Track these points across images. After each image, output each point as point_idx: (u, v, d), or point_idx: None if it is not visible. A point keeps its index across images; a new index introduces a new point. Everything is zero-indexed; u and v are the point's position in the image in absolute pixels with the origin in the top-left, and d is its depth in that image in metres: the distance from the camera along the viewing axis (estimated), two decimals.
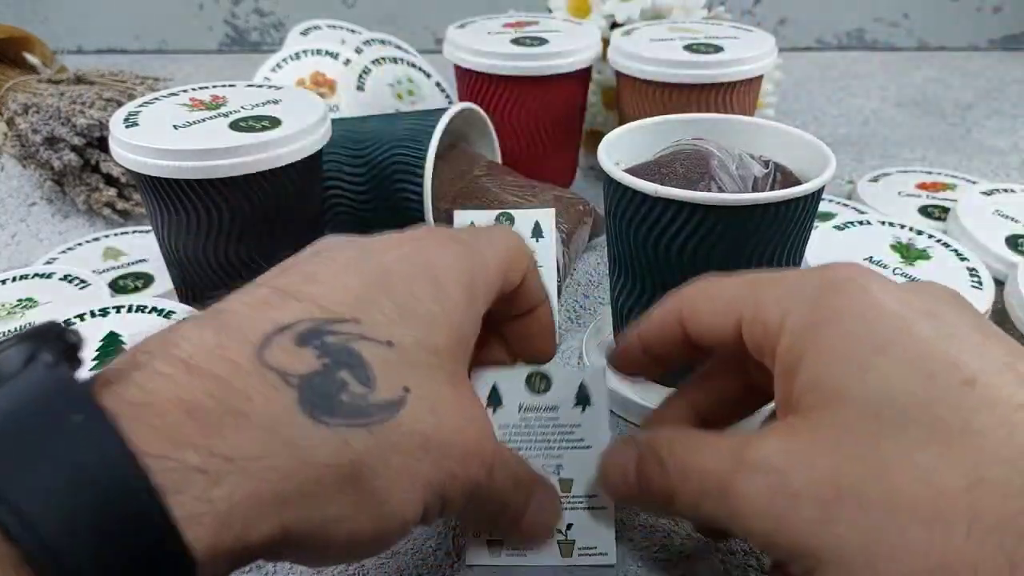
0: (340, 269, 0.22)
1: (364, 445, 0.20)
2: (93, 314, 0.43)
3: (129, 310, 0.43)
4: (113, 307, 0.43)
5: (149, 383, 0.18)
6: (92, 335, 0.41)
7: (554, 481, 0.31)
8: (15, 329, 0.45)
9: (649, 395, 0.40)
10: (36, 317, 0.46)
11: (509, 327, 0.31)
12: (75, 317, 0.42)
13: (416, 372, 0.22)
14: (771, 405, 0.27)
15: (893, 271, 0.49)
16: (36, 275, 0.50)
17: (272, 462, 0.18)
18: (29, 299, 0.48)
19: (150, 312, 0.43)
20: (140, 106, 0.44)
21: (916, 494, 0.19)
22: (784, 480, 0.21)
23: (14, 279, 0.50)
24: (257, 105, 0.44)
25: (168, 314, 0.43)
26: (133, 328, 0.42)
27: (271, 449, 0.18)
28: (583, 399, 0.33)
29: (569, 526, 0.32)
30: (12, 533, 0.15)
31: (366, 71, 0.65)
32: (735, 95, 0.55)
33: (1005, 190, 0.58)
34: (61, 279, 0.49)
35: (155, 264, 0.53)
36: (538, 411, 0.32)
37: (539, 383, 0.32)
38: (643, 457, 0.25)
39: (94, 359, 0.40)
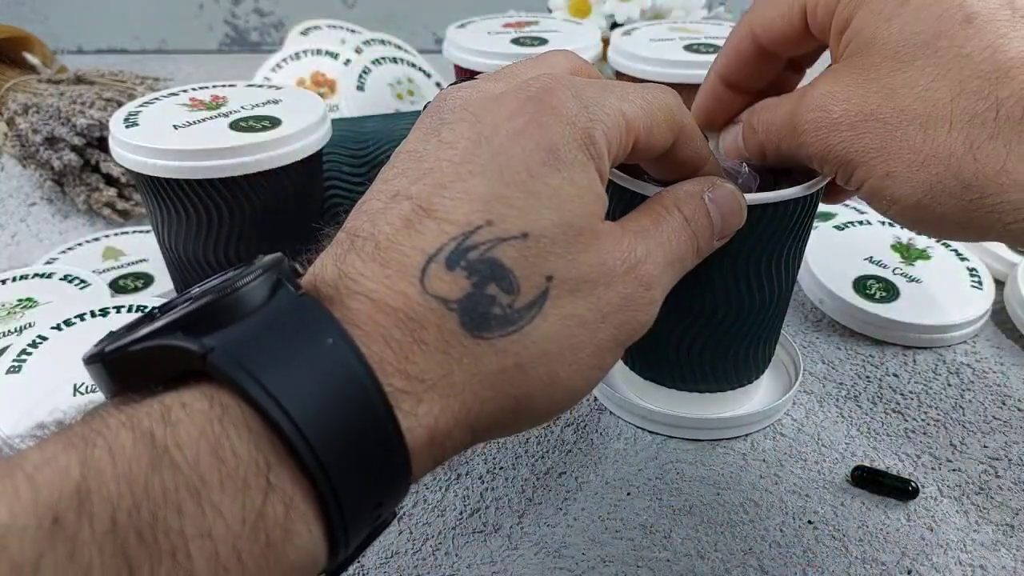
0: (461, 167, 0.23)
1: (519, 346, 0.22)
2: (93, 314, 0.43)
3: (129, 310, 0.43)
4: (113, 307, 0.43)
5: (351, 316, 0.21)
6: (92, 335, 0.41)
7: None
8: (15, 329, 0.45)
9: (650, 395, 0.40)
10: (36, 317, 0.46)
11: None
12: (75, 317, 0.42)
13: (555, 251, 0.23)
14: None
15: (893, 271, 0.49)
16: (36, 275, 0.50)
17: (452, 379, 0.21)
18: (29, 299, 0.48)
19: None
20: (140, 106, 0.44)
21: (916, 109, 0.26)
22: (827, 115, 0.28)
23: (14, 279, 0.50)
24: (257, 105, 0.44)
25: None
26: None
27: (448, 369, 0.21)
28: None
29: None
30: (283, 430, 0.18)
31: (366, 71, 0.65)
32: None
33: None
34: (61, 279, 0.49)
35: (155, 264, 0.53)
36: None
37: None
38: (744, 128, 0.33)
39: None
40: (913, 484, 0.36)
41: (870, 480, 0.36)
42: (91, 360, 0.20)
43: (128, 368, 0.20)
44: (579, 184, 0.24)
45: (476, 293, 0.22)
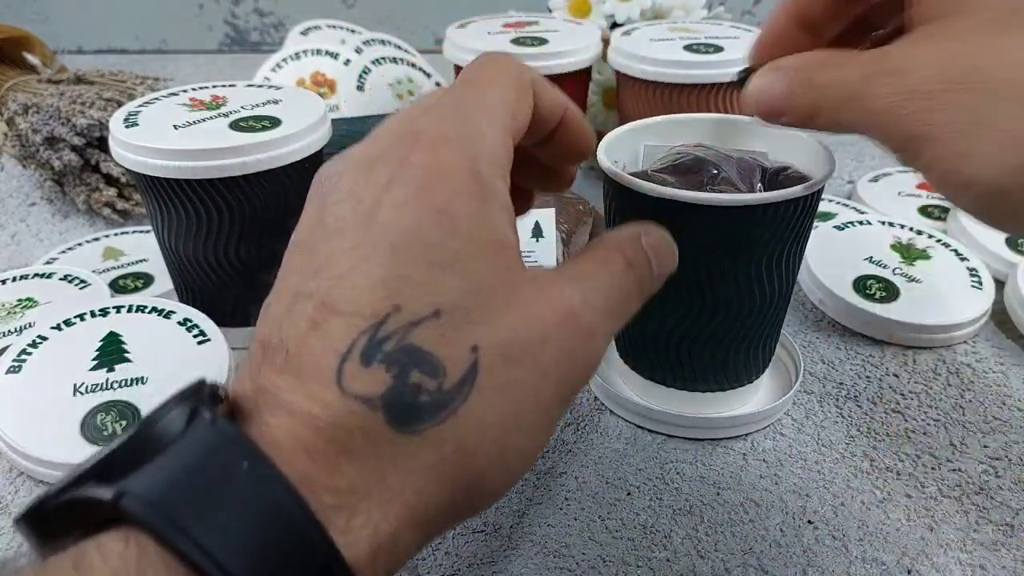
0: (353, 253, 0.21)
1: (458, 430, 0.20)
2: (93, 314, 0.43)
3: (129, 310, 0.43)
4: (113, 307, 0.43)
5: (270, 433, 0.20)
6: (92, 335, 0.42)
7: None
8: (15, 329, 0.45)
9: (650, 395, 0.40)
10: (36, 317, 0.46)
11: (541, 150, 0.28)
12: (75, 317, 0.42)
13: (472, 317, 0.21)
14: None
15: (893, 271, 0.49)
16: (36, 275, 0.50)
17: (387, 483, 0.20)
18: (29, 299, 0.48)
19: (150, 312, 0.43)
20: (140, 106, 0.44)
21: (1012, 78, 0.23)
22: (903, 80, 0.24)
23: (14, 279, 0.50)
24: (257, 105, 0.44)
25: (168, 314, 0.43)
26: (133, 328, 0.42)
27: (381, 473, 0.20)
28: (538, 232, 0.46)
29: None
30: (204, 568, 0.17)
31: (366, 71, 0.65)
32: (735, 95, 0.55)
33: None
34: (61, 279, 0.49)
35: (155, 264, 0.53)
36: None
37: None
38: (792, 78, 0.28)
39: (94, 359, 0.40)
40: None
41: None
42: (17, 521, 0.19)
43: (53, 523, 0.19)
44: (479, 240, 0.22)
45: (399, 385, 0.20)
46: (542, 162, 0.29)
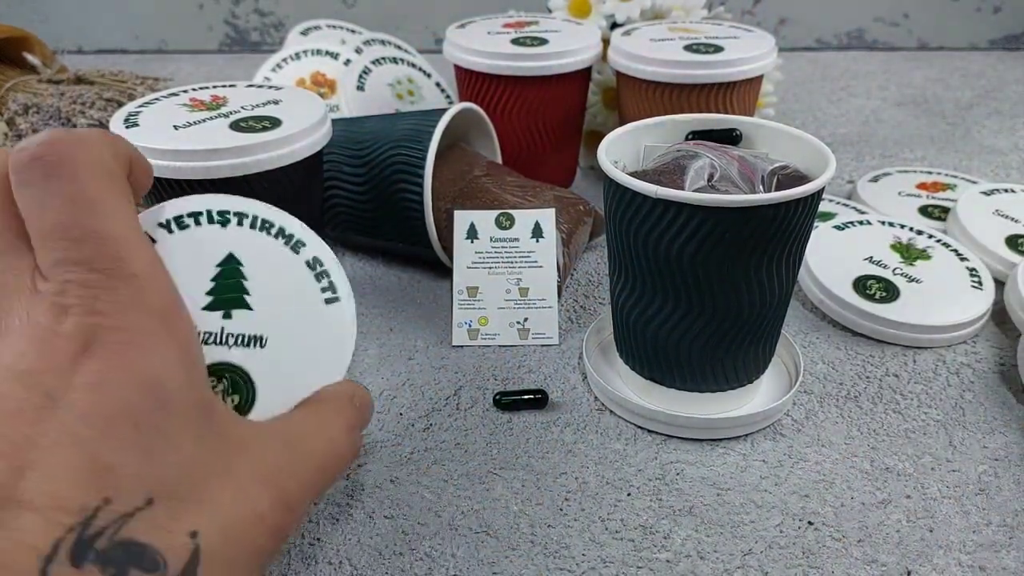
0: (50, 440, 0.19)
1: None
2: None
3: None
4: None
5: None
6: None
7: (515, 289, 0.46)
8: None
9: (650, 395, 0.40)
10: None
11: None
12: None
13: (188, 499, 0.20)
14: None
15: (893, 271, 0.49)
16: None
17: None
18: None
19: None
20: (140, 106, 0.44)
21: None
22: None
23: None
24: (257, 105, 0.44)
25: None
26: None
27: None
28: (538, 232, 0.47)
29: (526, 319, 0.46)
30: None
31: (366, 71, 0.65)
32: (735, 95, 0.55)
33: (1005, 190, 0.58)
34: None
35: None
36: (504, 241, 0.47)
37: (505, 221, 0.47)
38: None
39: None
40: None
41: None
42: None
43: None
44: (186, 406, 0.21)
45: None
46: None
